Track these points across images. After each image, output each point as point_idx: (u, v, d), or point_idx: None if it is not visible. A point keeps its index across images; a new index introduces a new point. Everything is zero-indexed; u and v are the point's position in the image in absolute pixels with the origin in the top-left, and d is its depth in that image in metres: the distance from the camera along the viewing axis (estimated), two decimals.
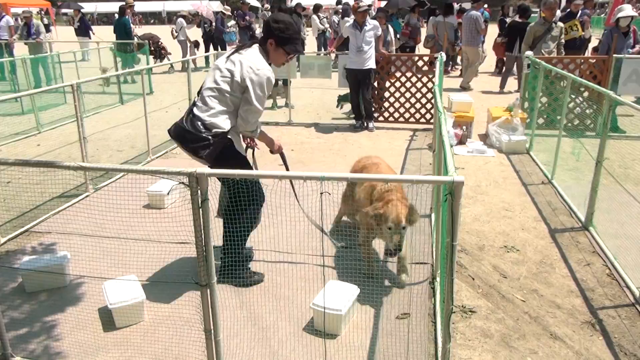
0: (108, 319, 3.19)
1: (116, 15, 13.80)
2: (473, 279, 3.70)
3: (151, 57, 14.32)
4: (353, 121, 8.34)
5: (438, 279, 3.54)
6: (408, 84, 8.23)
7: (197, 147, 3.24)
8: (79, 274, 3.72)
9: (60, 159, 6.58)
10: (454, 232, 2.15)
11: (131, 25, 13.64)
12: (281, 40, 3.34)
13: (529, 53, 7.77)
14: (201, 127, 3.24)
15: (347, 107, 8.96)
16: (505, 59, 11.57)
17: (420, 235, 4.29)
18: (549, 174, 5.76)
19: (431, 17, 13.34)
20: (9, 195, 5.18)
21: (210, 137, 3.23)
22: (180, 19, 15.58)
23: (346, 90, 8.59)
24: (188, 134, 3.25)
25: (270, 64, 3.40)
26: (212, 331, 2.49)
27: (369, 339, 3.02)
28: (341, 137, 7.71)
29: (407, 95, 8.24)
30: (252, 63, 3.28)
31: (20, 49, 13.60)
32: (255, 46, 3.40)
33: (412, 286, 3.56)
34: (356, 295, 3.22)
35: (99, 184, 5.58)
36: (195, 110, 3.31)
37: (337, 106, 9.08)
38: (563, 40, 8.83)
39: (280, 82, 9.69)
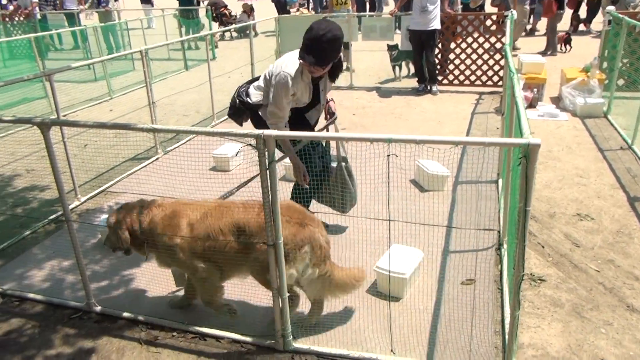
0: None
1: None
2: (543, 247, 3.57)
3: (215, 23, 14.48)
4: (415, 84, 8.12)
5: (505, 245, 3.44)
6: (475, 45, 7.87)
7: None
8: None
9: (131, 122, 6.87)
10: (527, 197, 2.07)
11: None
12: (302, 47, 3.12)
13: (611, 8, 7.18)
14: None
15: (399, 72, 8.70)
16: (554, 17, 10.65)
17: (486, 201, 4.17)
18: (629, 138, 5.38)
19: None
20: (86, 157, 5.48)
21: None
22: None
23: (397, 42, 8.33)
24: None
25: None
26: (279, 289, 2.56)
27: (433, 303, 3.00)
28: (403, 101, 7.54)
29: (474, 56, 7.89)
30: (283, 62, 3.21)
31: (88, 19, 14.15)
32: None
33: (478, 252, 3.49)
34: (420, 259, 3.19)
35: (168, 147, 5.80)
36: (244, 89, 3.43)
37: (391, 57, 8.70)
38: None
39: None
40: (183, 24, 12.72)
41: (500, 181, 4.40)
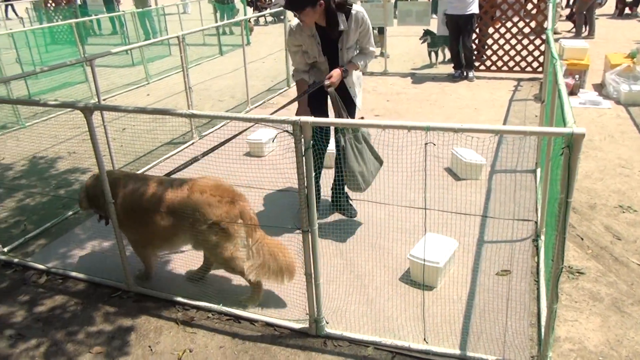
0: None
1: None
2: (582, 239, 3.48)
3: (249, 8, 14.51)
4: (451, 70, 7.97)
5: (543, 237, 3.37)
6: (514, 30, 7.65)
7: None
8: None
9: (168, 107, 6.98)
10: (569, 188, 2.02)
11: None
12: None
13: None
14: None
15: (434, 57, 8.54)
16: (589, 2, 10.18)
17: (523, 191, 4.09)
18: None
19: None
20: (125, 141, 5.60)
21: None
22: None
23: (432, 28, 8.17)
24: None
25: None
26: (312, 275, 2.58)
27: (467, 293, 2.97)
28: (438, 87, 7.42)
29: (513, 41, 7.68)
30: None
31: (127, 4, 14.36)
32: None
33: (514, 243, 3.43)
34: (454, 248, 3.16)
35: (203, 132, 5.88)
36: None
37: (421, 41, 8.54)
38: None
39: (375, 31, 9.43)
40: (218, 9, 12.79)
41: (538, 170, 4.29)
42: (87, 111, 2.79)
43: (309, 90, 3.53)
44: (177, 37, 5.39)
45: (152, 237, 3.00)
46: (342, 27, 3.37)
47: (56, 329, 2.89)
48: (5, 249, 3.66)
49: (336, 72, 3.42)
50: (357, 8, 3.41)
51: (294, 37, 3.49)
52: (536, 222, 3.62)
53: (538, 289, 2.95)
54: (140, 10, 11.50)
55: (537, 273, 3.09)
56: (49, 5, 13.41)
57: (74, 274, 3.36)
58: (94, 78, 4.37)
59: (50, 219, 4.09)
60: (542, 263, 3.11)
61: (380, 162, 3.63)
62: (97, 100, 4.52)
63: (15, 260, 3.56)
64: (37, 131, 6.27)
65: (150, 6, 12.37)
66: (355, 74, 3.69)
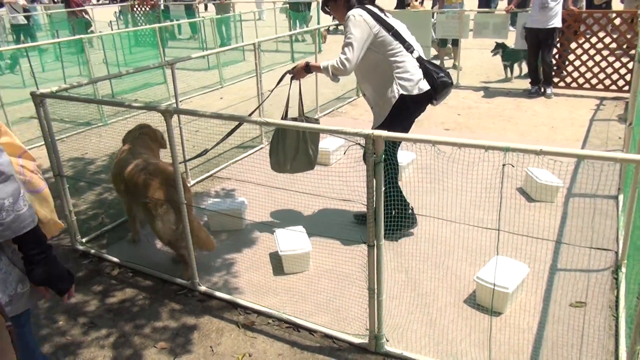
0: (278, 264, 3.45)
1: None
2: None
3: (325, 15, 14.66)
4: (528, 86, 7.66)
5: (624, 269, 3.15)
6: (599, 45, 7.25)
7: None
8: (254, 219, 4.07)
9: (240, 112, 7.17)
10: None
11: None
12: None
13: None
14: None
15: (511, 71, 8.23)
16: None
17: (603, 218, 3.84)
18: None
19: None
20: (197, 142, 5.79)
21: None
22: None
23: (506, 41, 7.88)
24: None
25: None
26: (376, 290, 2.54)
27: (537, 323, 2.82)
28: (513, 102, 7.15)
29: (597, 58, 7.27)
30: None
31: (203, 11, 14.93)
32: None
33: (591, 273, 3.22)
34: (525, 274, 3.01)
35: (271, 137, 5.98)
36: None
37: (493, 54, 8.26)
38: None
39: (449, 43, 9.26)
40: (292, 17, 13.03)
41: (621, 197, 4.03)
42: (167, 114, 2.91)
43: (279, 81, 3.72)
44: (253, 44, 5.52)
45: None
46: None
47: (125, 321, 3.02)
48: (84, 240, 3.88)
49: (299, 64, 3.56)
50: (353, 11, 3.29)
51: None
52: (617, 253, 3.39)
53: (617, 325, 2.75)
54: (220, 16, 11.92)
55: (616, 308, 2.89)
56: (135, 9, 14.20)
57: (144, 269, 3.51)
58: (173, 81, 4.56)
59: (124, 215, 4.29)
60: (623, 298, 2.90)
61: (310, 166, 3.66)
62: (174, 101, 4.71)
63: (92, 251, 3.76)
64: (119, 129, 6.61)
65: (230, 13, 12.79)
66: (374, 92, 3.46)
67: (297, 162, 3.64)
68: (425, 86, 3.29)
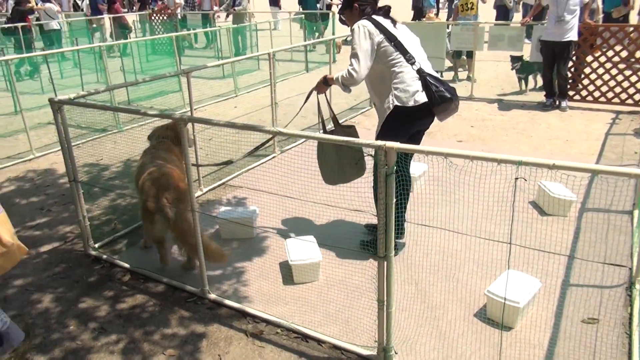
0: (288, 274, 3.46)
1: None
2: None
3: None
4: (542, 99, 7.61)
5: (638, 285, 3.10)
6: (616, 59, 7.19)
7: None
8: (265, 228, 4.08)
9: (253, 121, 7.22)
10: None
11: None
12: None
13: None
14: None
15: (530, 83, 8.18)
16: None
17: (617, 234, 3.79)
18: None
19: None
20: (210, 150, 5.85)
21: None
22: None
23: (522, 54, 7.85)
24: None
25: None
26: (385, 302, 2.53)
27: (548, 339, 2.79)
28: (527, 115, 7.11)
29: (614, 71, 7.21)
30: None
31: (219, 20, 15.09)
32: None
33: (604, 289, 3.18)
34: (537, 289, 2.98)
35: (284, 146, 6.01)
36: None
37: (512, 68, 8.22)
38: None
39: (463, 55, 9.25)
40: (307, 27, 13.12)
41: (636, 212, 3.97)
42: (182, 122, 2.94)
43: (306, 99, 3.76)
44: (268, 53, 5.57)
45: None
46: None
47: (135, 327, 3.04)
48: (97, 245, 3.92)
49: (319, 79, 3.62)
50: (358, 22, 3.33)
51: None
52: (631, 269, 3.34)
53: (630, 343, 2.71)
54: (236, 26, 12.05)
55: (630, 325, 2.84)
56: (152, 17, 14.42)
57: (155, 275, 3.53)
58: (188, 89, 4.61)
59: (138, 220, 4.33)
60: (636, 315, 2.86)
61: (361, 172, 3.54)
62: (189, 109, 4.76)
63: (104, 256, 3.80)
64: (133, 135, 6.70)
65: (246, 22, 12.93)
66: (379, 102, 3.46)
67: (348, 172, 3.54)
68: (421, 98, 3.25)
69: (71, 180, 3.65)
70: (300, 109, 3.89)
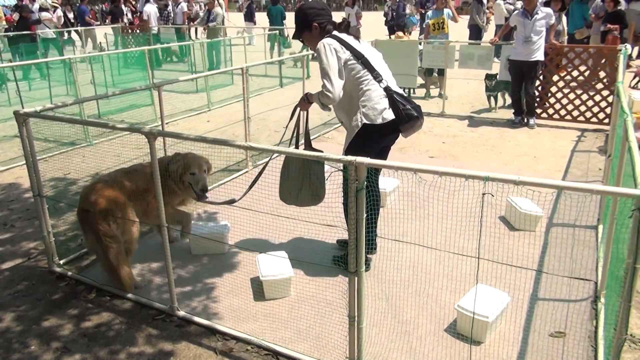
0: (259, 289, 3.41)
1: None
2: None
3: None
4: (511, 116, 7.80)
5: (602, 299, 3.17)
6: (581, 79, 7.43)
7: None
8: (236, 243, 4.03)
9: (226, 135, 7.18)
10: (638, 252, 1.89)
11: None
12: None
13: None
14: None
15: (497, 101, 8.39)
16: None
17: (583, 248, 3.88)
18: None
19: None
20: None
21: None
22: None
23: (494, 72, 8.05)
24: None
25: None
26: (356, 318, 2.52)
27: (516, 353, 2.81)
28: (497, 132, 7.27)
29: (578, 91, 7.45)
30: None
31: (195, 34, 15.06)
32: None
33: (570, 303, 3.24)
34: (506, 303, 3.02)
35: (257, 161, 5.99)
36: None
37: (487, 88, 8.41)
38: None
39: (435, 72, 9.43)
40: (282, 42, 13.20)
41: (600, 228, 4.08)
42: (151, 137, 2.90)
43: (291, 116, 3.67)
44: (242, 68, 5.58)
45: None
46: None
47: (100, 346, 2.95)
48: (62, 262, 3.81)
49: (302, 96, 3.59)
50: (322, 41, 3.33)
51: None
52: (596, 283, 3.41)
53: (595, 357, 2.75)
54: (210, 40, 12.03)
55: (595, 338, 2.90)
56: (124, 31, 14.30)
57: (121, 292, 3.44)
58: (159, 103, 4.57)
59: None
60: (602, 328, 2.91)
61: (316, 201, 3.48)
62: (161, 123, 4.71)
63: (69, 273, 3.69)
64: (103, 149, 6.58)
65: (220, 37, 12.92)
66: (347, 119, 3.47)
67: (303, 196, 3.49)
68: (389, 116, 3.28)
69: (36, 195, 3.55)
70: (286, 127, 3.80)
